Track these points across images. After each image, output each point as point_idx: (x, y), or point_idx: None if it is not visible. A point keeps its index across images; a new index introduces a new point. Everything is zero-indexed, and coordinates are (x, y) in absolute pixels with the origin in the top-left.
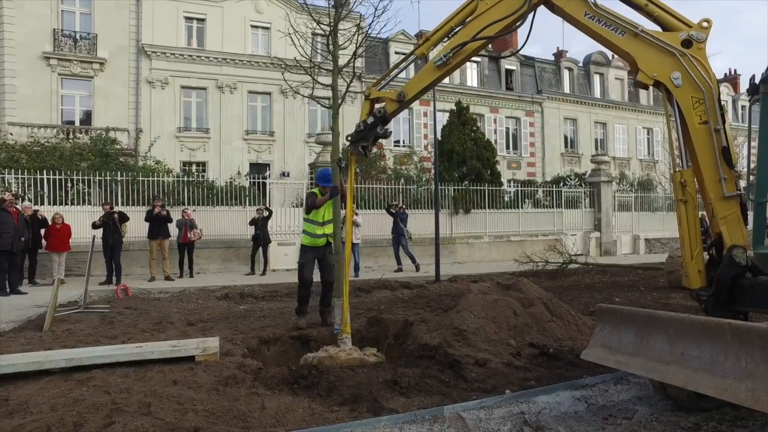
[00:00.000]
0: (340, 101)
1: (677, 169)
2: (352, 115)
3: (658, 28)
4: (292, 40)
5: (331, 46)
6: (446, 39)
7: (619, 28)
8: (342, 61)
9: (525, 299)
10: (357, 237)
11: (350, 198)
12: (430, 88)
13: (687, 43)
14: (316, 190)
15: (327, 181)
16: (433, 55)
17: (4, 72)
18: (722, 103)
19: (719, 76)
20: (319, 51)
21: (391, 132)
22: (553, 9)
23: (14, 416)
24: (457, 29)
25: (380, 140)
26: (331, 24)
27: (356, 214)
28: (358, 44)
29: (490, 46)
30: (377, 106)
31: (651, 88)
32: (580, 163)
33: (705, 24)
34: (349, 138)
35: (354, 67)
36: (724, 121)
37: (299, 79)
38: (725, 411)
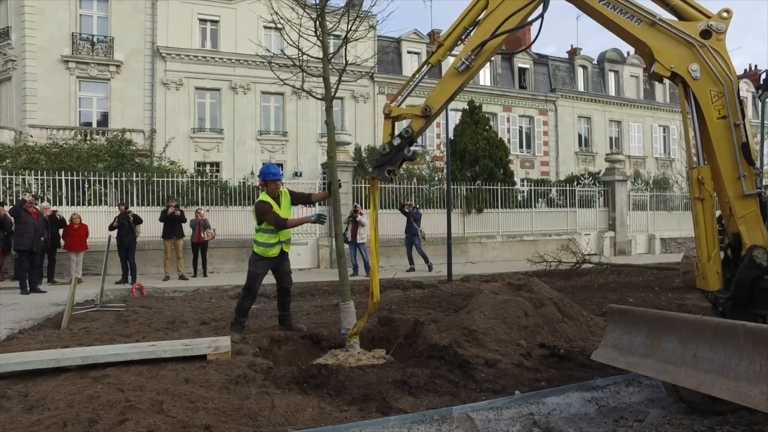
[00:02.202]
0: (333, 93)
1: (693, 166)
2: (363, 112)
3: (674, 18)
4: (277, 27)
5: (319, 31)
6: (460, 42)
7: (635, 16)
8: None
9: (536, 299)
10: (362, 236)
11: (374, 233)
12: (456, 95)
13: (706, 33)
14: (267, 198)
15: (275, 174)
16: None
17: (25, 76)
18: (742, 98)
19: (739, 72)
20: (306, 37)
21: (417, 154)
22: None
23: (33, 411)
24: (471, 29)
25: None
26: (318, 6)
27: (361, 214)
28: (348, 27)
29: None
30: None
31: (667, 83)
32: (594, 161)
33: (725, 14)
34: (374, 163)
35: (346, 54)
36: (744, 116)
37: (296, 74)
38: (741, 414)
